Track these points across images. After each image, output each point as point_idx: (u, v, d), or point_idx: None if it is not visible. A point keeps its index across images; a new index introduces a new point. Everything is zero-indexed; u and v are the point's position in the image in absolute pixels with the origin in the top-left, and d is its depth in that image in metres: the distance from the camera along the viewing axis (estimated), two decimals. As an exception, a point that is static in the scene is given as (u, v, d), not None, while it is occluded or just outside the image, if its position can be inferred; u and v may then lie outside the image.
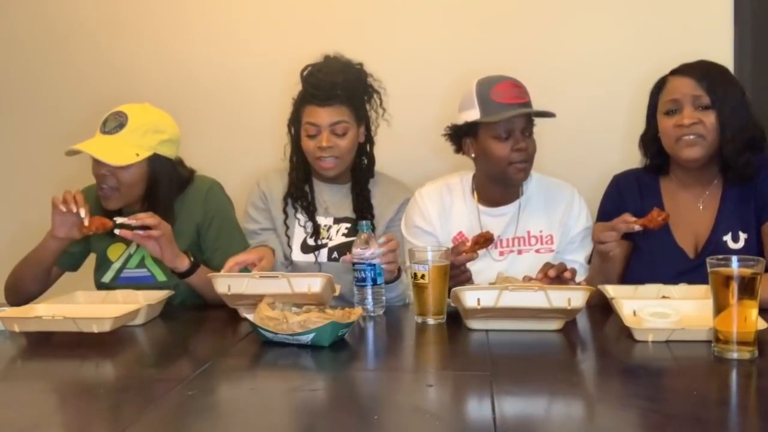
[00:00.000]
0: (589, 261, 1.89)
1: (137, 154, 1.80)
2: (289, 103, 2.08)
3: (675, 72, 1.80)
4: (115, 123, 1.81)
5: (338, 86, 1.95)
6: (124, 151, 1.79)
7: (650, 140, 1.85)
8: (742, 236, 1.74)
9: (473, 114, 1.84)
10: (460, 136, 1.90)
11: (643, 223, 1.65)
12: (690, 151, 1.73)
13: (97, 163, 1.81)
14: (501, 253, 1.90)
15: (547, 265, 1.66)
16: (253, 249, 1.90)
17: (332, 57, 2.01)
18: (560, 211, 1.92)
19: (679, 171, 1.84)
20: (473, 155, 1.90)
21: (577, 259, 1.88)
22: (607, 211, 1.85)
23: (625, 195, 1.85)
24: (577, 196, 1.94)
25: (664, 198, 1.84)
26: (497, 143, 1.83)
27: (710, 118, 1.71)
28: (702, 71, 1.76)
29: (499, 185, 1.92)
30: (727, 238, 1.75)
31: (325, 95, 1.95)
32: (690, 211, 1.79)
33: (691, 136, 1.71)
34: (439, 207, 1.95)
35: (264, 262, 1.76)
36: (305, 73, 2.00)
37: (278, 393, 1.21)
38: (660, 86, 1.82)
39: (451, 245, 1.87)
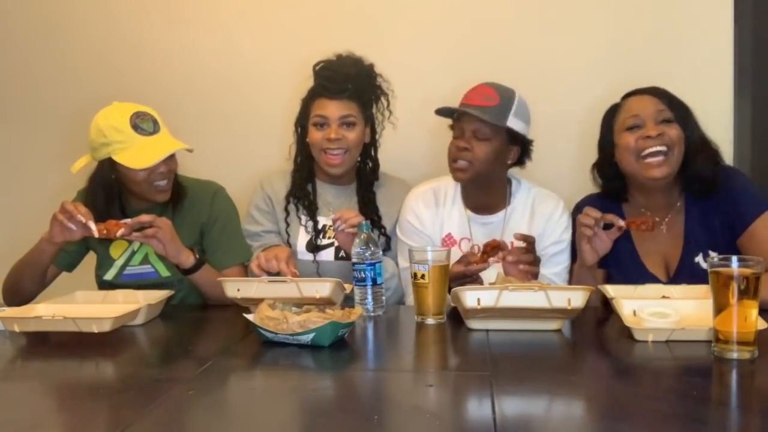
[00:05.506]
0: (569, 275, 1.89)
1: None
2: (291, 106, 2.10)
3: (630, 94, 1.82)
4: (151, 122, 1.82)
5: (351, 79, 1.98)
6: (175, 140, 1.85)
7: (605, 166, 1.84)
8: (713, 255, 1.74)
9: None
10: None
11: (627, 223, 1.68)
12: (656, 171, 1.72)
13: (156, 165, 1.80)
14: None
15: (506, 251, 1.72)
16: (269, 250, 1.88)
17: (344, 55, 2.04)
18: (542, 223, 1.91)
19: (639, 196, 1.83)
20: None
21: (543, 272, 1.85)
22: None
23: None
24: (560, 210, 1.92)
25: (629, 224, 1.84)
26: (451, 141, 1.87)
27: (674, 131, 1.73)
28: (658, 90, 1.78)
29: (477, 191, 1.93)
30: (699, 259, 1.75)
31: (337, 88, 1.98)
32: (655, 236, 1.78)
33: (657, 147, 1.71)
34: (431, 208, 1.96)
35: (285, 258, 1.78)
36: (318, 66, 2.03)
37: (278, 393, 1.21)
38: (614, 110, 1.82)
39: (440, 247, 1.89)
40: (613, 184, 1.85)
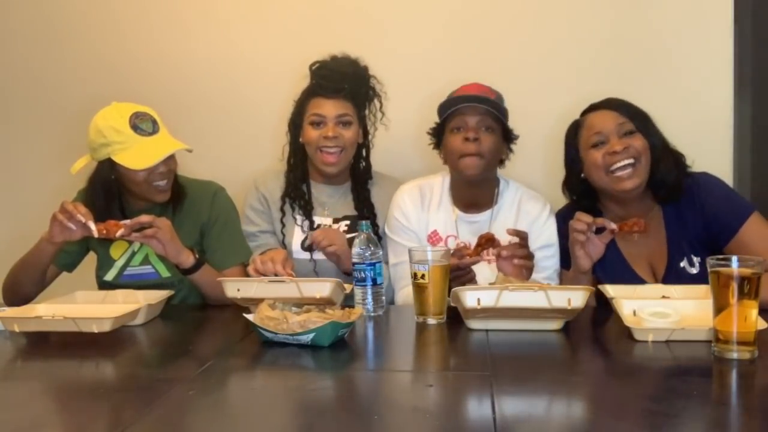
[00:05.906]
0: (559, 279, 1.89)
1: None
2: (291, 106, 2.09)
3: (589, 110, 1.82)
4: (151, 122, 1.81)
5: (347, 79, 2.00)
6: (175, 141, 1.84)
7: (575, 183, 1.84)
8: (696, 260, 1.74)
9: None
10: (439, 144, 1.94)
11: (620, 225, 1.68)
12: (627, 183, 1.72)
13: (155, 165, 1.79)
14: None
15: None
16: (265, 253, 1.88)
17: (340, 56, 2.05)
18: (527, 223, 1.90)
19: (615, 207, 1.82)
20: (443, 158, 1.93)
21: (533, 276, 1.82)
22: (566, 246, 1.81)
23: None
24: (546, 213, 1.92)
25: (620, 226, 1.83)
26: (451, 136, 1.86)
27: (638, 141, 1.73)
28: (616, 102, 1.78)
29: (468, 189, 1.93)
30: (684, 264, 1.75)
31: (334, 87, 2.00)
32: (639, 242, 1.77)
33: (625, 161, 1.71)
34: (417, 205, 1.97)
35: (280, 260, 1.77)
36: (315, 66, 2.05)
37: (278, 393, 1.21)
38: (576, 127, 1.83)
39: (427, 243, 1.90)
40: (583, 200, 1.84)
